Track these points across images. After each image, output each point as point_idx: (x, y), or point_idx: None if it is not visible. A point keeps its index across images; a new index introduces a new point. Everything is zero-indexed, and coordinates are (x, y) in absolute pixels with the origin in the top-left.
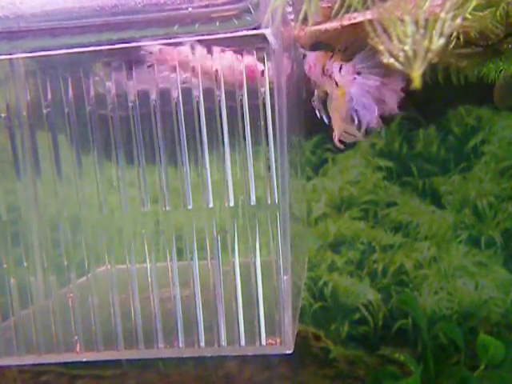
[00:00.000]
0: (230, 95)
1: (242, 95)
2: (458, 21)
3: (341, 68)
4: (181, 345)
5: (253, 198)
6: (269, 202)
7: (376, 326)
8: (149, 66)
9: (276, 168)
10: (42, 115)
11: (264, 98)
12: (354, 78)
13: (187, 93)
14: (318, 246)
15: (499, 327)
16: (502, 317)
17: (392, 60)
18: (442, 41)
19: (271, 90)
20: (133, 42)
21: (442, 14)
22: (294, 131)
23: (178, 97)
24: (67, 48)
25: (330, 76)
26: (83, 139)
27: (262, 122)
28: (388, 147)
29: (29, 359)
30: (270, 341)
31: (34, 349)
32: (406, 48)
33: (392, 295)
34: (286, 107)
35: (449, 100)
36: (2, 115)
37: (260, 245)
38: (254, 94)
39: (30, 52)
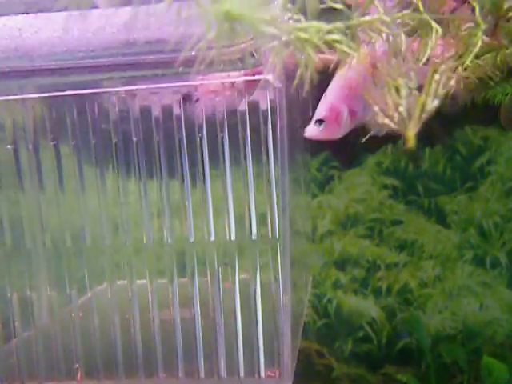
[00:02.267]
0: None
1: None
2: (452, 83)
3: None
4: (180, 374)
5: (254, 231)
6: (270, 236)
7: (380, 344)
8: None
9: (277, 202)
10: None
11: (266, 119)
12: None
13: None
14: (322, 263)
15: (504, 348)
16: (507, 338)
17: (387, 120)
18: (436, 102)
19: (272, 108)
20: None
21: (436, 77)
22: (298, 148)
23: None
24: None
25: None
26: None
27: (264, 155)
28: (394, 165)
29: None
30: (269, 373)
31: (35, 375)
32: (401, 109)
33: (396, 314)
34: (289, 127)
35: (455, 119)
36: (9, 147)
37: (260, 277)
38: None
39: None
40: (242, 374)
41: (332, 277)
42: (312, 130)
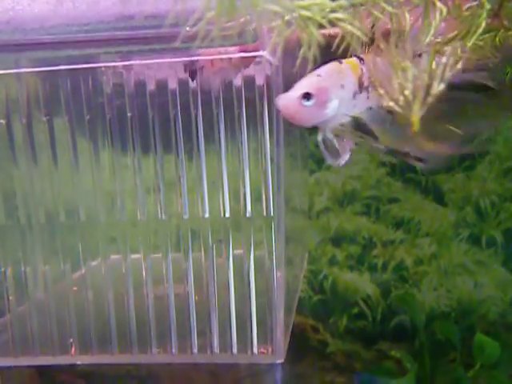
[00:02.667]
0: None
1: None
2: (459, 66)
3: None
4: (174, 350)
5: (248, 208)
6: (264, 213)
7: (374, 321)
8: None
9: (272, 179)
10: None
11: (261, 95)
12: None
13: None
14: (319, 239)
15: (496, 326)
16: (500, 316)
17: (392, 103)
18: (442, 86)
19: (268, 84)
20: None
21: (443, 59)
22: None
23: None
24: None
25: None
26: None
27: (260, 130)
28: None
29: (24, 361)
30: (261, 349)
31: (29, 350)
32: (407, 92)
33: (391, 290)
34: None
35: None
36: (2, 121)
37: (254, 254)
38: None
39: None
40: (234, 350)
41: (328, 253)
42: (292, 103)
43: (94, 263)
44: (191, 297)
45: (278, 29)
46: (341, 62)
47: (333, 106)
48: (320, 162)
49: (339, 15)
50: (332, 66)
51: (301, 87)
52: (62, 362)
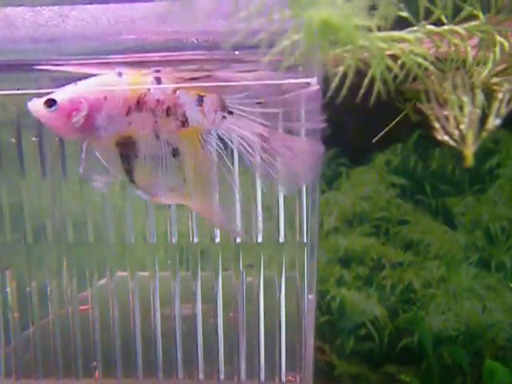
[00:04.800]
0: None
1: None
2: None
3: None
4: (200, 376)
5: (282, 234)
6: (298, 239)
7: (381, 343)
8: None
9: (307, 205)
10: None
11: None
12: (223, 117)
13: None
14: (327, 259)
15: (505, 351)
16: (509, 341)
17: (446, 137)
18: (497, 121)
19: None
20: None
21: (500, 95)
22: None
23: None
24: None
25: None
26: None
27: None
28: (403, 165)
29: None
30: (289, 377)
31: (51, 371)
32: (462, 127)
33: (399, 313)
34: None
35: None
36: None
37: (286, 280)
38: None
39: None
40: (262, 377)
41: (336, 274)
42: (37, 108)
43: (107, 284)
44: (219, 322)
45: (352, 57)
46: (120, 75)
47: (81, 120)
48: (330, 182)
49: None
50: (103, 77)
51: (53, 93)
52: None
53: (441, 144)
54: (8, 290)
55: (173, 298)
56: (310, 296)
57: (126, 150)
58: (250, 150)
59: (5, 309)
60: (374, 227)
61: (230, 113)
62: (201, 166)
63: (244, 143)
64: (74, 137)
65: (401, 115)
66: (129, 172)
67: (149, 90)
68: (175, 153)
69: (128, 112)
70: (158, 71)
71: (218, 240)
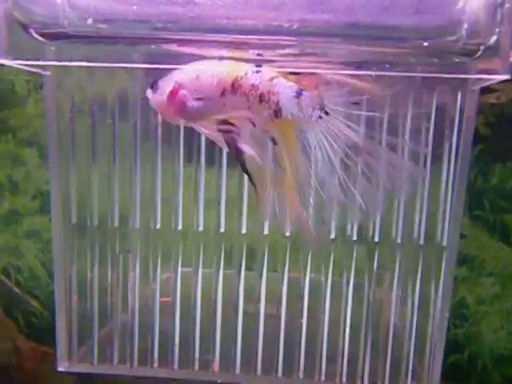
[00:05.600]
0: None
1: None
2: None
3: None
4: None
5: (422, 235)
6: (438, 242)
7: None
8: None
9: (449, 207)
10: None
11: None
12: (320, 117)
13: None
14: None
15: None
16: None
17: None
18: None
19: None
20: None
21: None
22: None
23: None
24: None
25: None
26: None
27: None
28: None
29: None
30: None
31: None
32: None
33: (450, 328)
34: None
35: None
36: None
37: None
38: None
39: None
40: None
41: None
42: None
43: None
44: (346, 326)
45: None
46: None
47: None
48: None
49: None
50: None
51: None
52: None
53: (503, 159)
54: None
55: (284, 297)
56: (445, 310)
57: (230, 137)
58: (334, 159)
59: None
60: None
61: (327, 113)
62: (295, 159)
63: (330, 150)
64: (175, 120)
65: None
66: (240, 160)
67: (246, 73)
68: (274, 141)
69: (222, 93)
70: (259, 54)
71: (354, 238)
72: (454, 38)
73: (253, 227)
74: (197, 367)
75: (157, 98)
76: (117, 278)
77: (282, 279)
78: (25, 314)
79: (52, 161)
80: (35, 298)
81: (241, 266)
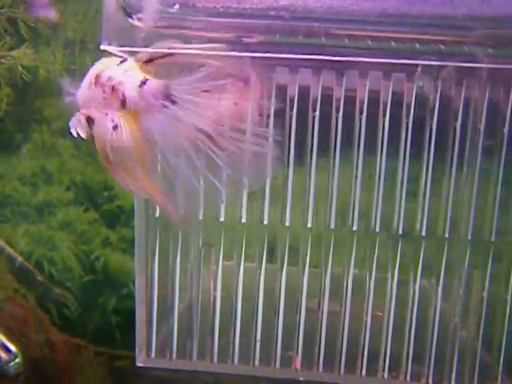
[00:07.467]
0: None
1: None
2: None
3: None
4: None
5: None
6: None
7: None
8: None
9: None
10: None
11: None
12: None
13: None
14: None
15: None
16: None
17: None
18: None
19: None
20: None
21: None
22: None
23: None
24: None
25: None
26: None
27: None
28: None
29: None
30: None
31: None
32: None
33: None
34: None
35: None
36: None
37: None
38: None
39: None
40: None
41: None
42: None
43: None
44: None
45: None
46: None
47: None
48: None
49: None
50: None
51: None
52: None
53: None
54: None
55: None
56: None
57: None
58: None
59: None
60: None
61: (173, 102)
62: (138, 151)
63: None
64: None
65: None
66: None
67: (108, 66)
68: (115, 128)
69: (90, 86)
70: None
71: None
72: None
73: (295, 220)
74: (278, 364)
75: None
76: (198, 272)
77: (347, 276)
78: (57, 306)
79: None
80: (68, 290)
81: (325, 262)
